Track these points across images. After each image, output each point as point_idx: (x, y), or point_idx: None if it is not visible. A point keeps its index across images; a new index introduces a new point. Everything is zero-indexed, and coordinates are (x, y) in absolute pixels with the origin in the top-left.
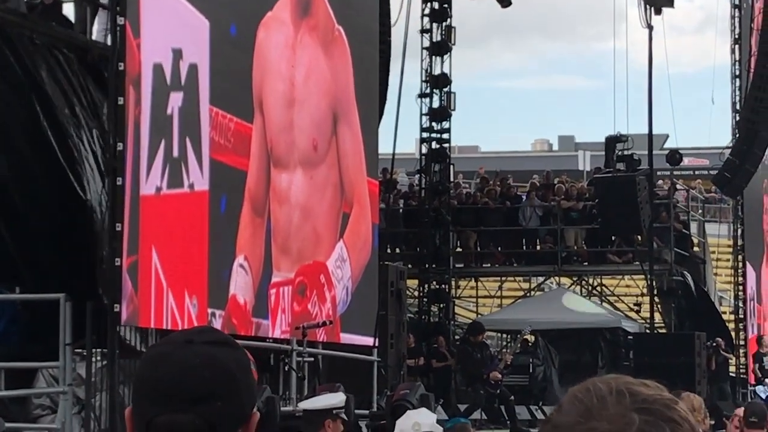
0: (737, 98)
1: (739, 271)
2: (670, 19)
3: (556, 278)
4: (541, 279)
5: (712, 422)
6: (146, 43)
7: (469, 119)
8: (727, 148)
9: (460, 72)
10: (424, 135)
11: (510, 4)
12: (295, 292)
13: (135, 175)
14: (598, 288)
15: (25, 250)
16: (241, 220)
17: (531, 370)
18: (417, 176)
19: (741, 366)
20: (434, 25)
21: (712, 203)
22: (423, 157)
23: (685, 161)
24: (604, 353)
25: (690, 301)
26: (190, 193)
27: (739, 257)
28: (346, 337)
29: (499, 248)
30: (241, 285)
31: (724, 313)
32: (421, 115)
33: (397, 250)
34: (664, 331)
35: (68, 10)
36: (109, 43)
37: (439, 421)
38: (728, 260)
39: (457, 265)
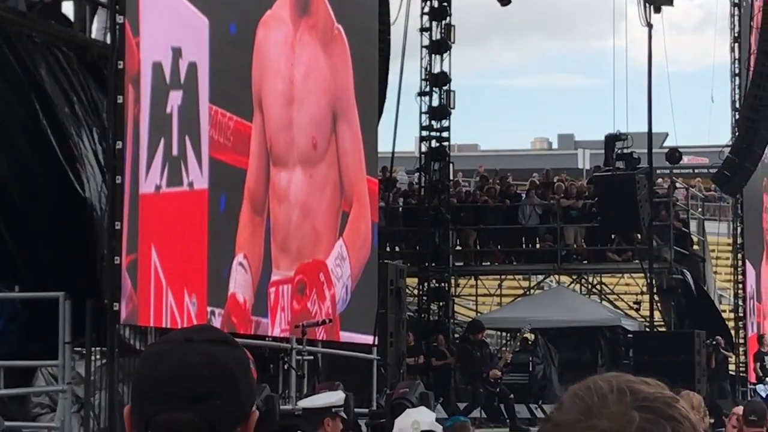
0: (737, 96)
1: (739, 269)
2: (670, 17)
3: (556, 276)
4: (540, 277)
5: (712, 420)
6: (145, 41)
7: (468, 118)
8: (727, 146)
9: (459, 70)
10: (424, 133)
11: (509, 2)
12: (294, 290)
13: (134, 173)
14: (598, 286)
15: (25, 248)
16: (240, 219)
17: (531, 369)
18: (416, 175)
19: (741, 364)
20: (434, 23)
21: (711, 201)
22: (422, 155)
23: (685, 159)
24: (603, 352)
25: (690, 300)
26: (190, 191)
27: (739, 255)
28: (346, 336)
29: (499, 246)
30: (240, 283)
31: (724, 311)
32: (421, 113)
33: (397, 249)
34: (663, 329)
35: (67, 8)
36: (108, 41)
37: (438, 420)
38: (728, 258)
39: (456, 264)
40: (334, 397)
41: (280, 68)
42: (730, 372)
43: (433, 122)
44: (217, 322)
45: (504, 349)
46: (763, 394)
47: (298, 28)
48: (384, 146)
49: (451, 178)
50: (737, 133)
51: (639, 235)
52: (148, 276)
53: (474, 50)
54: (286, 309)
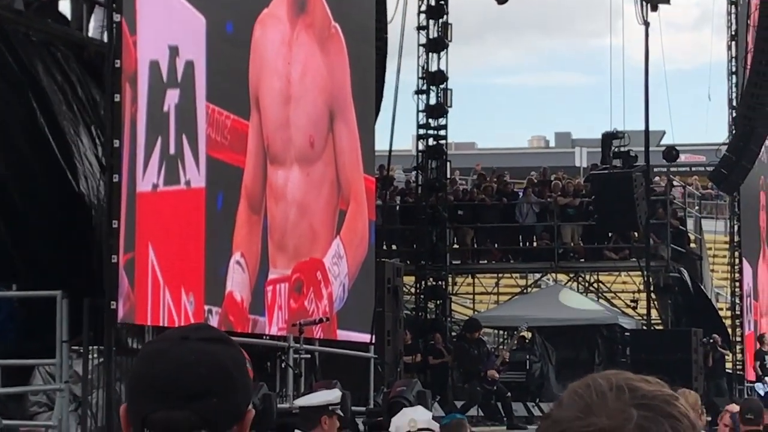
0: (734, 95)
1: (736, 267)
2: (667, 15)
3: (553, 275)
4: (537, 275)
5: (709, 419)
6: (142, 40)
7: (465, 116)
8: (724, 144)
9: (456, 69)
10: (421, 132)
11: (506, 0)
12: (291, 289)
13: (131, 172)
14: (595, 284)
15: (24, 248)
16: (237, 217)
17: (528, 367)
18: (414, 173)
19: (737, 362)
20: (431, 21)
21: (708, 200)
22: (420, 153)
23: (682, 158)
24: (600, 350)
25: (687, 298)
26: (187, 190)
27: (736, 254)
28: (343, 334)
29: (496, 245)
30: (237, 282)
31: (721, 309)
32: (418, 111)
33: (394, 247)
34: (660, 327)
35: (64, 7)
36: (105, 40)
37: (435, 418)
38: (725, 257)
39: (453, 262)
40: (331, 395)
41: (277, 67)
42: (727, 370)
43: (430, 120)
44: (214, 321)
45: (501, 347)
46: (762, 393)
47: (295, 26)
48: (381, 145)
49: (448, 176)
50: (734, 131)
51: (636, 233)
52: (146, 275)
53: (471, 48)
54: (284, 307)
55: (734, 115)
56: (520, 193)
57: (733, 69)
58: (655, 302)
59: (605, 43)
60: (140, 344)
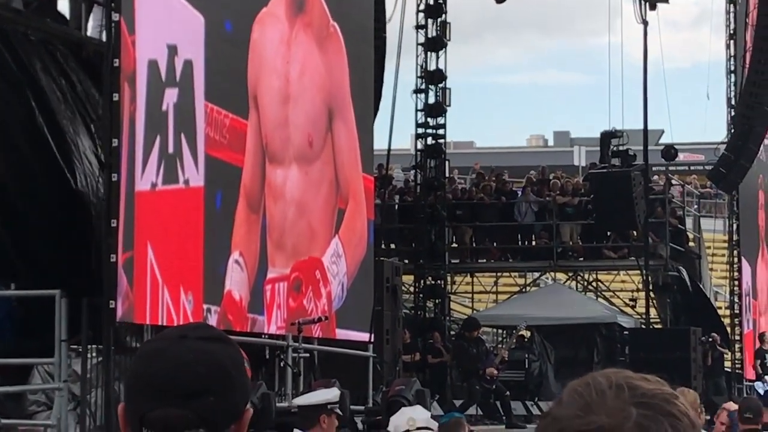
0: (732, 93)
1: (735, 266)
2: (665, 14)
3: (552, 274)
4: (536, 274)
5: (708, 417)
6: (141, 39)
7: (464, 115)
8: (723, 143)
9: (455, 68)
10: (420, 131)
11: None
12: (290, 288)
13: (130, 171)
14: (594, 283)
15: (23, 247)
16: (236, 216)
17: (527, 366)
18: (412, 172)
19: (736, 361)
20: (429, 21)
21: (707, 198)
22: (418, 152)
23: (681, 156)
24: (599, 349)
25: (685, 297)
26: (186, 189)
27: (735, 252)
28: (342, 333)
29: (495, 244)
30: (236, 281)
31: (720, 308)
32: (417, 111)
33: (393, 246)
34: (659, 326)
35: (63, 6)
36: (104, 39)
37: (434, 417)
38: (723, 255)
39: (452, 261)
40: (330, 394)
41: (276, 66)
42: (726, 369)
43: (428, 119)
44: (213, 320)
45: (500, 346)
46: (761, 391)
47: (293, 25)
48: (380, 144)
49: (447, 175)
50: (733, 130)
51: (635, 232)
52: (144, 274)
53: (469, 47)
54: (282, 306)
55: (733, 113)
56: (519, 192)
57: (732, 68)
58: (654, 301)
59: (604, 42)
60: (139, 343)
